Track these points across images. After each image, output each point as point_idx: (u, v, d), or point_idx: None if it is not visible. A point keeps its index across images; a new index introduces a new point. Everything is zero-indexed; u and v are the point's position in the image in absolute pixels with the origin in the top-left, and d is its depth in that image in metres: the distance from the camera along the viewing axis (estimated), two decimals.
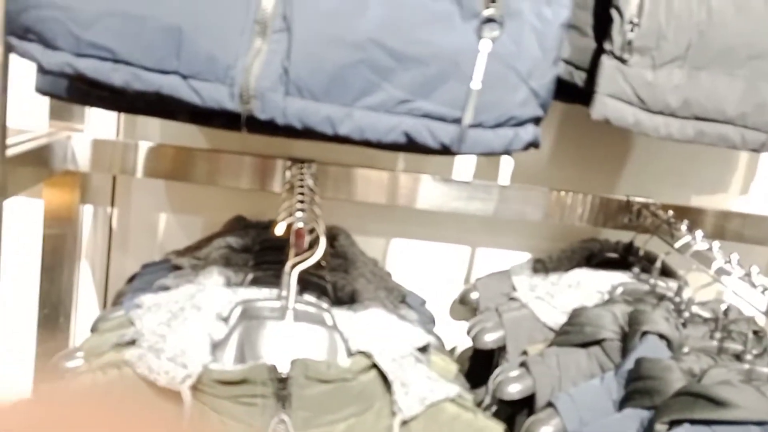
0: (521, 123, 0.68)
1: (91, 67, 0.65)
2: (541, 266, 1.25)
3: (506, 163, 1.28)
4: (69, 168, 1.10)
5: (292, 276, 0.78)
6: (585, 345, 1.00)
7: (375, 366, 0.71)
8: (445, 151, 0.68)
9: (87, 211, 1.21)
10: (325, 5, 0.64)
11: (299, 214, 0.77)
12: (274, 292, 0.85)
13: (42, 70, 0.82)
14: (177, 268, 1.09)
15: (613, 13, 0.83)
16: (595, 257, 1.27)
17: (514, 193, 1.21)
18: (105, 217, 1.22)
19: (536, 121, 0.70)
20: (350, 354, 0.75)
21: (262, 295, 0.84)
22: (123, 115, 1.18)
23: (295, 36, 0.64)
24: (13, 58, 0.71)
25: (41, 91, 0.82)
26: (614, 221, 1.25)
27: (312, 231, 0.81)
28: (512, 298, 1.19)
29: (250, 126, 0.68)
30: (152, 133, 1.19)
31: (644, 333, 0.93)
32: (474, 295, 1.25)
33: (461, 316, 1.32)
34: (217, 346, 0.73)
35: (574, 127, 1.27)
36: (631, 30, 0.82)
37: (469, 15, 0.64)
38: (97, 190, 1.20)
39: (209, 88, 0.65)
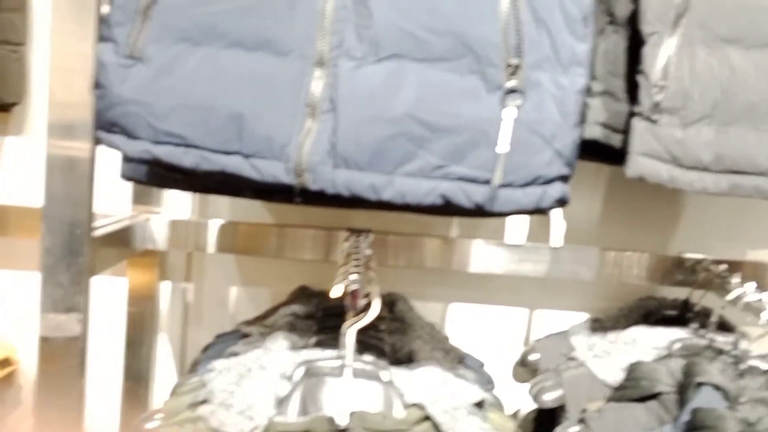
0: (549, 181, 0.73)
1: (166, 153, 0.75)
2: (599, 325, 1.27)
3: (558, 225, 1.32)
4: (148, 247, 1.20)
5: (348, 335, 0.83)
6: (642, 399, 1.01)
7: (429, 418, 0.76)
8: (479, 210, 0.74)
9: (164, 288, 1.31)
10: (365, 88, 0.72)
11: (353, 276, 0.83)
12: (335, 352, 0.91)
13: (126, 159, 0.93)
14: (246, 336, 1.16)
15: (640, 78, 0.89)
16: (652, 315, 1.28)
17: (567, 254, 1.24)
18: (181, 292, 1.32)
19: (564, 179, 0.75)
20: (406, 407, 0.79)
21: (323, 356, 0.90)
22: (197, 196, 1.29)
23: (340, 116, 0.72)
24: (101, 149, 0.81)
25: (125, 177, 0.92)
26: (669, 278, 1.27)
27: (367, 295, 0.88)
28: (571, 358, 1.21)
29: (304, 197, 0.76)
30: (222, 211, 1.29)
31: (699, 384, 0.94)
32: (533, 357, 1.27)
33: (522, 378, 1.34)
34: (281, 402, 0.79)
35: (623, 187, 1.31)
36: (659, 92, 0.87)
37: (493, 87, 0.72)
38: (173, 268, 1.30)
39: (267, 165, 0.74)
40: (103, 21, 0.77)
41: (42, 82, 1.26)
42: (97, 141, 0.79)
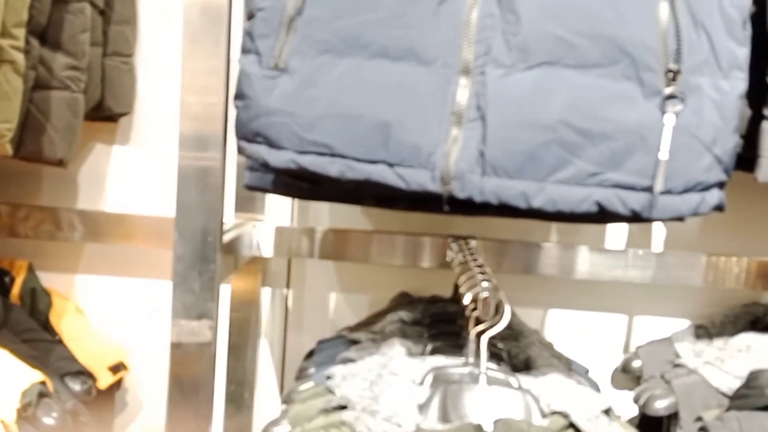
0: (707, 188, 0.73)
1: (311, 162, 0.76)
2: (704, 332, 1.25)
3: (659, 231, 1.30)
4: (255, 254, 1.21)
5: (481, 342, 0.83)
6: (766, 408, 0.99)
7: (572, 425, 0.75)
8: (635, 218, 0.74)
9: (265, 293, 1.33)
10: (515, 95, 0.72)
11: (485, 284, 0.83)
12: (459, 359, 0.91)
13: (251, 169, 0.94)
14: (354, 342, 1.17)
15: None
16: (760, 321, 1.25)
17: (671, 259, 1.22)
18: (282, 298, 1.33)
19: (721, 185, 0.74)
20: (543, 415, 0.79)
21: (450, 363, 0.90)
22: (297, 204, 1.30)
23: (489, 123, 0.72)
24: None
25: (250, 187, 0.94)
26: None
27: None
28: (678, 365, 1.19)
29: (450, 206, 0.76)
30: (322, 218, 1.30)
31: None
32: (636, 363, 1.26)
33: (623, 385, 1.32)
34: (420, 408, 0.80)
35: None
36: None
37: (651, 93, 0.71)
38: (275, 274, 1.32)
39: (413, 173, 0.74)
40: (245, 34, 0.78)
41: (148, 93, 1.29)
42: (239, 151, 0.80)
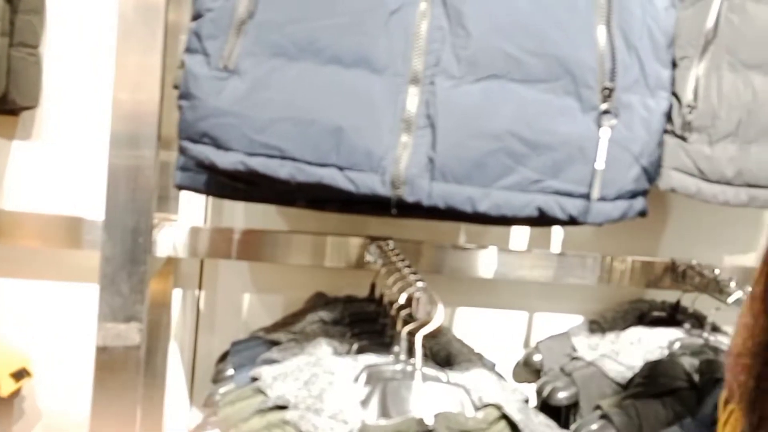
0: (635, 195, 0.80)
1: (261, 164, 0.76)
2: (597, 327, 1.36)
3: (557, 233, 1.39)
4: (171, 255, 1.19)
5: (416, 341, 0.87)
6: (660, 395, 1.09)
7: (504, 417, 0.80)
8: (571, 222, 0.80)
9: (176, 295, 1.30)
10: (464, 106, 0.76)
11: (420, 284, 0.87)
12: (389, 357, 0.94)
13: (182, 169, 0.93)
14: (273, 343, 1.17)
15: (673, 99, 0.97)
16: (645, 316, 1.37)
17: (569, 260, 1.31)
18: (193, 299, 1.31)
19: (645, 193, 0.82)
20: (476, 408, 0.84)
21: (381, 361, 0.93)
22: (211, 204, 1.29)
23: (439, 131, 0.76)
24: None
25: (180, 186, 0.92)
26: (661, 282, 1.36)
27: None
28: (575, 358, 1.29)
29: (397, 209, 0.79)
30: (237, 219, 1.29)
31: (717, 380, 1.03)
32: (537, 357, 1.34)
33: (524, 378, 1.40)
34: (361, 405, 0.82)
35: None
36: (689, 113, 0.95)
37: (588, 108, 0.77)
38: (186, 275, 1.29)
39: (363, 177, 0.77)
40: (191, 33, 0.77)
41: (53, 87, 1.23)
42: (182, 151, 0.79)
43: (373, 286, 1.25)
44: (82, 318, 1.28)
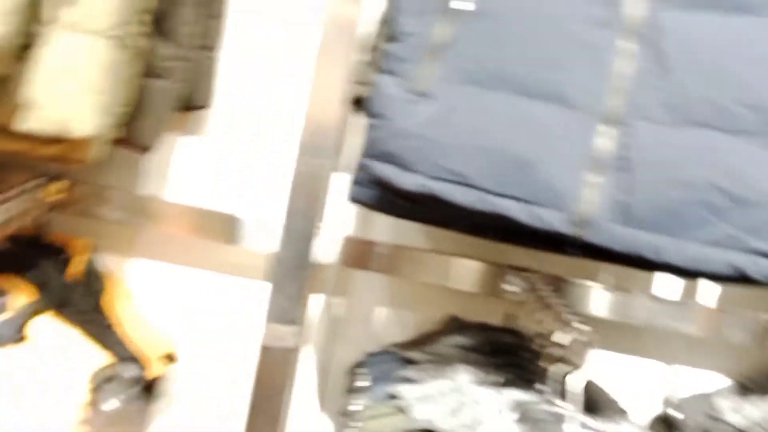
0: None
1: (442, 189, 0.77)
2: (745, 390, 1.28)
3: (709, 285, 1.32)
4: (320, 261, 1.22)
5: (568, 384, 0.85)
6: None
7: None
8: (763, 284, 0.76)
9: (316, 300, 1.33)
10: (665, 152, 0.74)
11: (582, 327, 0.84)
12: (537, 395, 0.92)
13: (356, 183, 0.95)
14: (409, 361, 1.18)
15: None
16: None
17: (724, 315, 1.24)
18: (332, 306, 1.34)
19: None
20: None
21: (530, 399, 0.91)
22: (358, 214, 1.31)
23: (635, 175, 0.74)
24: None
25: (354, 200, 0.94)
26: None
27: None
28: (719, 419, 1.22)
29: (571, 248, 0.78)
30: (381, 230, 1.31)
31: None
32: (678, 415, 1.28)
33: None
34: None
35: None
36: None
37: None
38: (327, 282, 1.32)
39: (545, 213, 0.76)
40: (385, 54, 0.79)
41: (226, 89, 1.29)
42: (362, 168, 0.81)
43: (509, 316, 1.23)
44: (225, 309, 1.32)
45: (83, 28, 0.77)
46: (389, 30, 0.79)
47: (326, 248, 1.24)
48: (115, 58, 0.82)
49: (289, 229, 0.87)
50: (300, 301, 0.89)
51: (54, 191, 1.17)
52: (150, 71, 1.02)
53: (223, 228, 1.24)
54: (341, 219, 1.31)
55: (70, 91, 0.77)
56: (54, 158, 0.84)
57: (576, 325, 0.88)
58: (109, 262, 1.27)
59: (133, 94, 0.93)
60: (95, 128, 0.80)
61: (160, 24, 1.01)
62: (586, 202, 0.75)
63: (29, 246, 1.16)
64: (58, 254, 1.21)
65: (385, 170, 0.79)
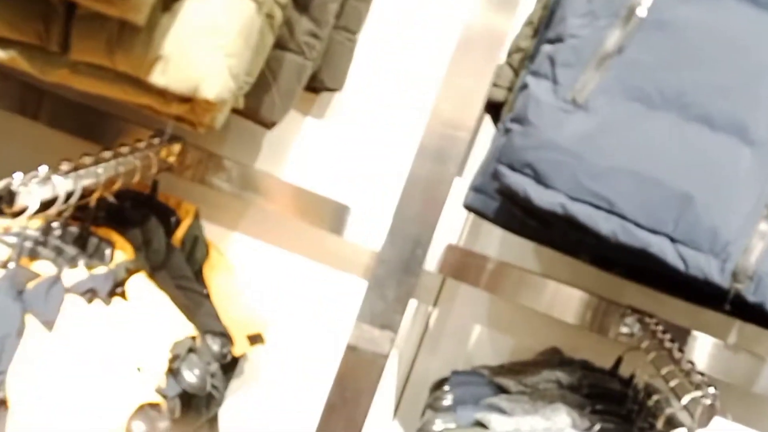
0: None
1: (583, 212, 0.69)
2: None
3: None
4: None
5: None
6: None
7: None
8: None
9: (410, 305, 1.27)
10: None
11: (711, 390, 0.75)
12: None
13: (476, 190, 0.88)
14: (501, 388, 1.11)
15: None
16: None
17: None
18: (425, 315, 1.28)
19: None
20: None
21: None
22: (465, 220, 1.24)
23: None
24: None
25: (469, 207, 0.88)
26: None
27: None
28: None
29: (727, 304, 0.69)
30: (491, 245, 1.23)
31: None
32: None
33: None
34: None
35: None
36: None
37: None
38: (425, 289, 1.26)
39: (698, 258, 0.67)
40: (545, 57, 0.72)
41: (358, 73, 1.25)
42: (496, 176, 0.74)
43: (619, 360, 1.14)
44: (317, 299, 1.29)
45: None
46: (554, 30, 0.72)
47: (429, 253, 1.18)
48: (253, 23, 0.78)
49: (395, 231, 0.81)
50: (399, 307, 0.83)
51: (168, 153, 1.16)
52: (285, 44, 0.99)
53: (330, 216, 1.20)
54: (446, 224, 1.24)
55: (206, 49, 0.73)
56: (179, 118, 0.82)
57: (700, 384, 0.78)
58: (211, 232, 1.26)
59: (260, 64, 0.90)
60: (226, 92, 0.76)
61: None
62: (753, 254, 0.66)
63: (137, 203, 1.15)
64: (166, 215, 1.20)
65: (521, 182, 0.72)
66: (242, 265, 1.27)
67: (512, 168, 0.73)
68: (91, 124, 1.16)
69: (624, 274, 0.86)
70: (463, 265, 1.19)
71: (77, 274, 0.91)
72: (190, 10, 0.74)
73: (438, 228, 1.20)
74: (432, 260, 1.17)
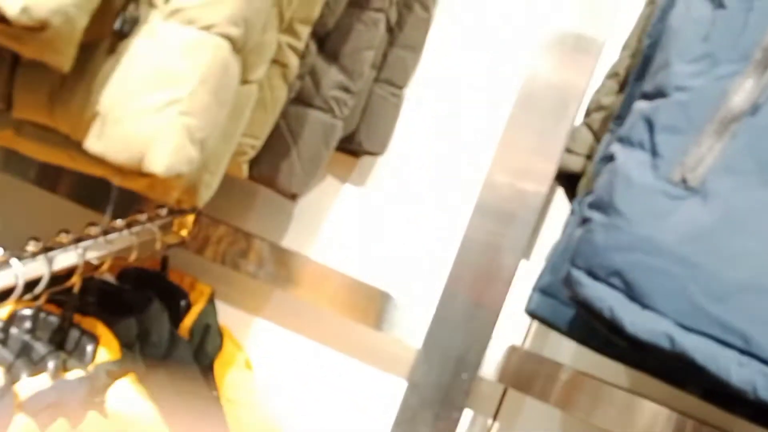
0: None
1: (702, 351, 0.46)
2: None
3: None
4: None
5: None
6: None
7: None
8: None
9: (464, 415, 1.04)
10: None
11: None
12: None
13: (543, 292, 0.66)
14: None
15: None
16: None
17: None
18: (483, 428, 1.04)
19: None
20: None
21: None
22: (534, 325, 1.01)
23: None
24: None
25: (532, 313, 0.66)
26: None
27: None
28: None
29: None
30: (562, 353, 1.00)
31: None
32: None
33: None
34: None
35: None
36: None
37: None
38: (484, 397, 1.03)
39: None
40: (640, 117, 0.50)
41: (403, 134, 1.06)
42: (568, 282, 0.52)
43: None
44: (349, 402, 1.08)
45: (197, 18, 0.54)
46: (650, 81, 0.50)
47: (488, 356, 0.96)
48: (227, 68, 0.58)
49: (439, 319, 0.61)
50: (445, 418, 0.61)
51: (181, 225, 0.98)
52: (309, 99, 0.81)
53: (369, 306, 1.00)
54: (508, 320, 1.02)
55: (155, 105, 0.53)
56: (145, 193, 0.62)
57: None
58: (229, 316, 1.07)
59: (270, 123, 0.72)
60: (182, 163, 0.55)
61: (328, 42, 0.80)
62: None
63: (142, 283, 0.98)
64: (175, 298, 1.02)
65: (606, 297, 0.50)
66: (262, 358, 1.08)
67: (593, 276, 0.51)
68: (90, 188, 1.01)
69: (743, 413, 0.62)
70: (528, 373, 0.96)
71: (37, 382, 0.73)
72: (139, 54, 0.55)
73: (497, 325, 0.98)
74: (490, 364, 0.95)
